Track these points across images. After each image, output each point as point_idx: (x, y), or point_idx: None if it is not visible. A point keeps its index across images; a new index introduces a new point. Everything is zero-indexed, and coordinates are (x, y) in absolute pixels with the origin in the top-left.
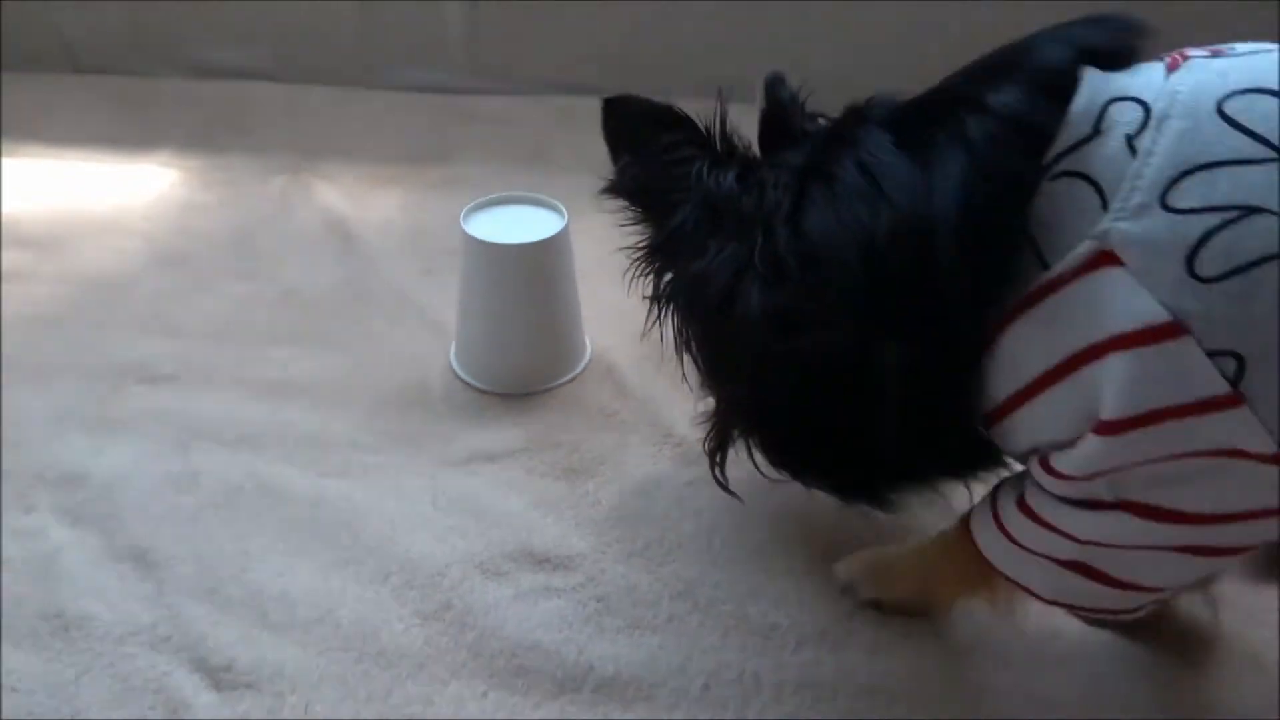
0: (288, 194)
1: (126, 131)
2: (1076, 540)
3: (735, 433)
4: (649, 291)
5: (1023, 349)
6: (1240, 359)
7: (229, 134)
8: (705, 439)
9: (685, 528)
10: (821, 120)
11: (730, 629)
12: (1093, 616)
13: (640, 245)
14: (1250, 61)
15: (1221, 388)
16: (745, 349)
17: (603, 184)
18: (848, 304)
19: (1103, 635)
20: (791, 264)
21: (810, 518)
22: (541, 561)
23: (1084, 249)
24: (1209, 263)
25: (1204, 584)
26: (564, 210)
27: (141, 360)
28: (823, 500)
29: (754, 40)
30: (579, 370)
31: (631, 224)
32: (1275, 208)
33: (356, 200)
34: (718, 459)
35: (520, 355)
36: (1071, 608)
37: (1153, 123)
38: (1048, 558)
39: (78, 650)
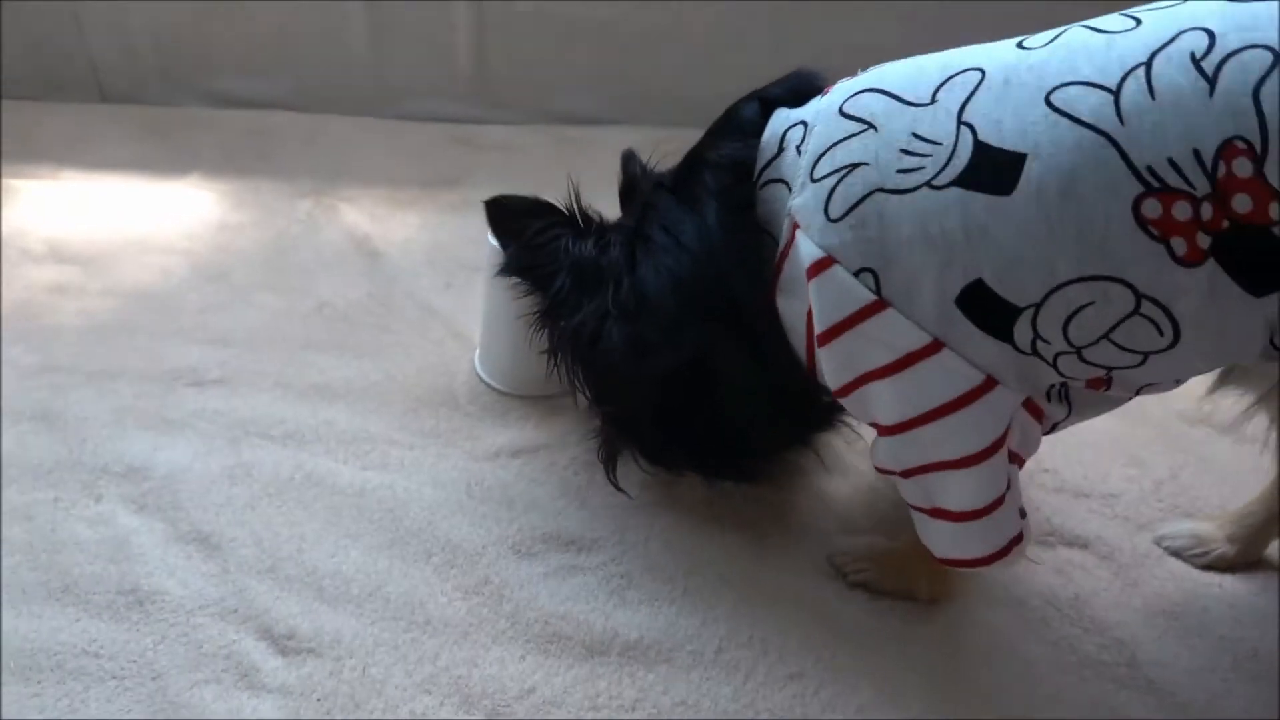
0: (314, 215)
1: (157, 157)
2: (896, 473)
3: (618, 443)
4: (543, 346)
5: (788, 314)
6: (874, 273)
7: (253, 159)
8: (598, 451)
9: (698, 513)
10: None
11: (740, 599)
12: (989, 567)
13: (533, 312)
14: (874, 73)
15: (868, 297)
16: (615, 375)
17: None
18: (675, 327)
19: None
20: (633, 306)
21: (801, 507)
22: (569, 543)
23: (786, 224)
24: (835, 207)
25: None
26: None
27: (191, 365)
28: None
29: (753, 71)
30: None
31: (524, 296)
32: (869, 160)
33: (379, 221)
34: (610, 466)
35: (540, 361)
36: (963, 562)
37: (808, 132)
38: (917, 509)
39: (153, 621)
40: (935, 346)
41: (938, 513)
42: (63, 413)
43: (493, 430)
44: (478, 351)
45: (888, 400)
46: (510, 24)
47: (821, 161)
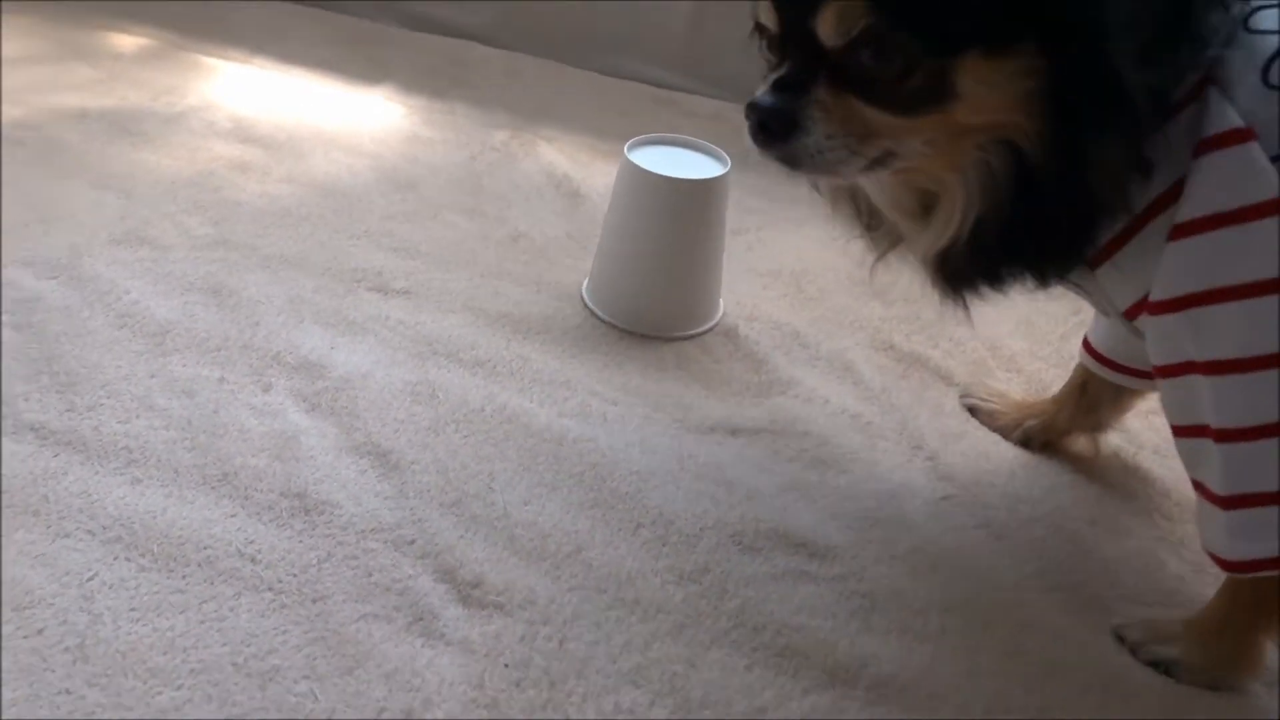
0: (510, 147)
1: (348, 64)
2: (1212, 430)
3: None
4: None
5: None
6: None
7: (450, 84)
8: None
9: (945, 542)
10: None
11: (1009, 655)
12: None
13: None
14: None
15: (1275, 190)
16: None
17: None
18: None
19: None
20: None
21: (1074, 557)
22: (798, 546)
23: (1189, 77)
24: (1277, 72)
25: None
26: (727, 158)
27: (376, 269)
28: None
29: None
30: (712, 324)
31: None
32: None
33: (580, 165)
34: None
35: (667, 293)
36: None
37: None
38: (1215, 498)
39: (319, 535)
40: None
41: (1248, 498)
42: (236, 291)
43: (705, 402)
44: (587, 280)
45: (1237, 327)
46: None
47: (1264, 12)
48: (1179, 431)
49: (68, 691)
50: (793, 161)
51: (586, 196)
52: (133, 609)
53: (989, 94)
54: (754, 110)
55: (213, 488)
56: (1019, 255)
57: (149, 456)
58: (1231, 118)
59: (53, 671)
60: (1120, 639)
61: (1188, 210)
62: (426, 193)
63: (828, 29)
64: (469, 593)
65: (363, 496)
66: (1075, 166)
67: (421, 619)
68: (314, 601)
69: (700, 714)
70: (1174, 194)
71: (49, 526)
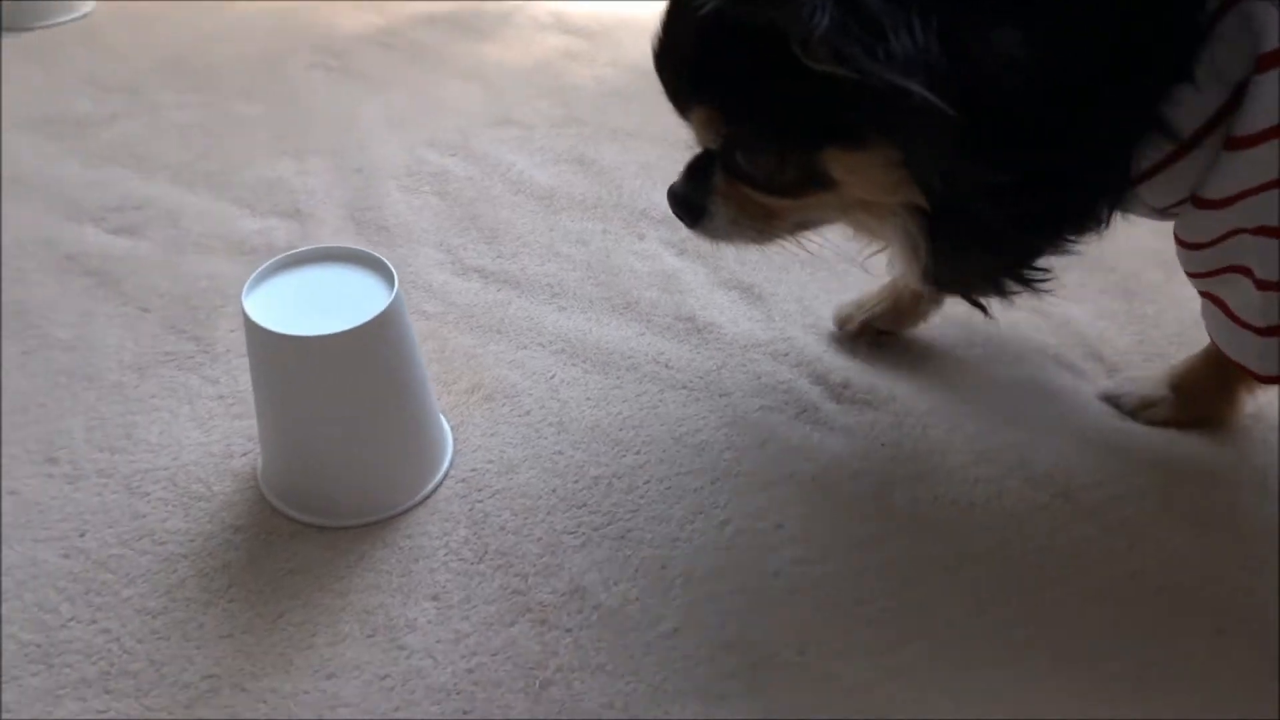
0: None
1: None
2: (1256, 280)
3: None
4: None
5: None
6: None
7: None
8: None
9: None
10: None
11: None
12: None
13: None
14: None
15: None
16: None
17: None
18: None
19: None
20: None
21: None
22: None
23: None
24: None
25: None
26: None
27: None
28: None
29: None
30: None
31: None
32: None
33: None
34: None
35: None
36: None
37: None
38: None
39: (711, 348)
40: None
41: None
42: (595, 160)
43: None
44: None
45: None
46: None
47: None
48: (1205, 277)
49: (559, 452)
50: (712, 237)
51: None
52: (588, 398)
53: (862, 180)
54: (670, 196)
55: (620, 313)
56: (1009, 266)
57: (567, 290)
58: None
59: (544, 439)
60: (1116, 406)
61: (1248, 124)
62: None
63: (698, 135)
64: (840, 392)
65: (739, 319)
66: (999, 209)
67: (806, 410)
68: (720, 396)
69: (1046, 485)
70: (1231, 107)
71: (511, 340)
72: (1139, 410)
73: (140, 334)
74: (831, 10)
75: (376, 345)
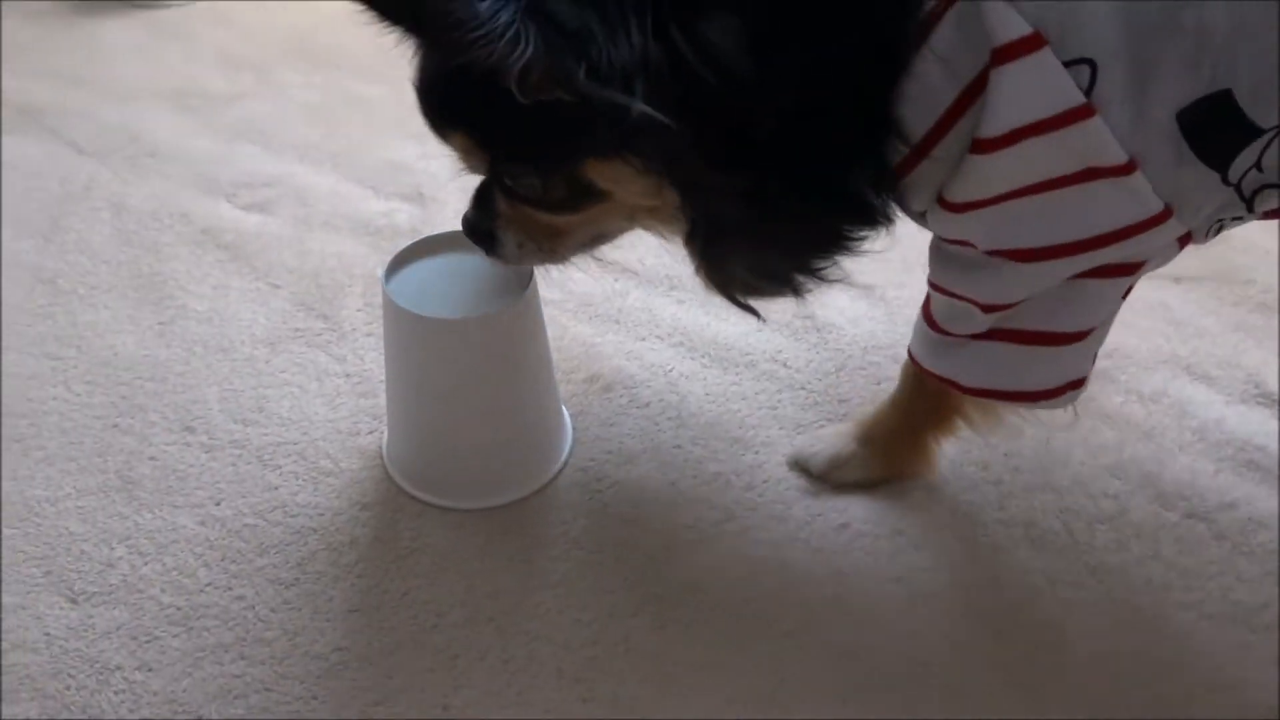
0: None
1: None
2: (979, 304)
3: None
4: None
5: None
6: (1093, 65)
7: None
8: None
9: None
10: None
11: None
12: (1030, 406)
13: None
14: None
15: (1078, 98)
16: None
17: None
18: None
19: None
20: None
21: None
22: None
23: None
24: None
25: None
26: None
27: None
28: None
29: None
30: None
31: None
32: None
33: None
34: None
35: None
36: (1003, 395)
37: None
38: (969, 337)
39: (830, 349)
40: (1128, 168)
41: (1005, 334)
42: None
43: None
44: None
45: (1035, 227)
46: None
47: None
48: (939, 290)
49: (678, 446)
50: (506, 261)
51: None
52: (706, 394)
53: (628, 188)
54: (463, 224)
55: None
56: (790, 264)
57: (684, 282)
58: (1019, 24)
59: (663, 432)
60: (805, 470)
61: (992, 126)
62: None
63: (464, 162)
64: None
65: (860, 319)
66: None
67: None
68: (839, 402)
69: (1177, 505)
70: (962, 106)
71: (629, 331)
72: (830, 471)
73: (271, 309)
74: (536, 34)
75: (515, 331)
